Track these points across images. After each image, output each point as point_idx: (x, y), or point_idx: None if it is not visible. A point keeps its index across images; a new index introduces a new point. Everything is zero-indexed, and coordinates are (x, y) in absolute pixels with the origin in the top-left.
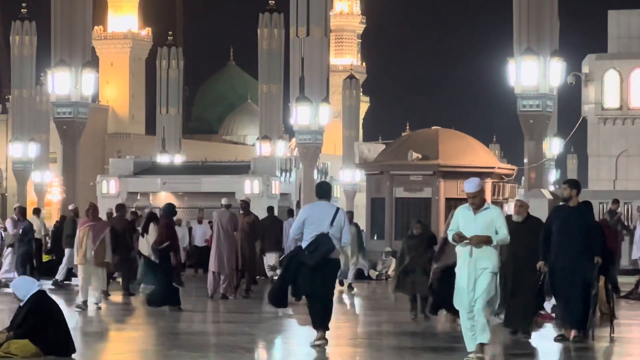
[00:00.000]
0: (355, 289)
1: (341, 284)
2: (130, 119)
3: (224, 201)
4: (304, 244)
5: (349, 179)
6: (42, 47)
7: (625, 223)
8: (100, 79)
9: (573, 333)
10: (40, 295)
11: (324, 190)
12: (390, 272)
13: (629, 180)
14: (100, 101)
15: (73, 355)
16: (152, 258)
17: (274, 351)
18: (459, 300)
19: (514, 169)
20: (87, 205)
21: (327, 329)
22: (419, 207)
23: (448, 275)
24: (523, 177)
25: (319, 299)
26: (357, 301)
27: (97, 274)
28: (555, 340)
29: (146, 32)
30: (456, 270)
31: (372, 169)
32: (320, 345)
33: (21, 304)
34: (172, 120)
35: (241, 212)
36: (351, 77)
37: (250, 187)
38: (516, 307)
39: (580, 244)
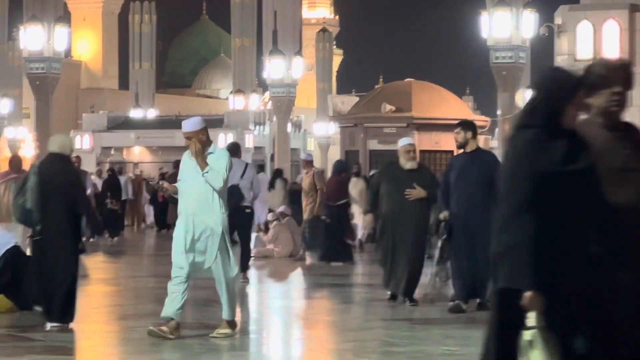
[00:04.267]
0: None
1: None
2: (103, 74)
3: None
4: None
5: (322, 131)
6: (14, 3)
7: None
8: (72, 34)
9: (478, 301)
10: (16, 250)
11: (233, 150)
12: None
13: None
14: (73, 56)
15: None
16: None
17: (247, 304)
18: (177, 262)
19: (487, 121)
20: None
21: (247, 267)
22: (393, 159)
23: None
24: (497, 129)
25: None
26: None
27: (17, 232)
28: (450, 310)
29: None
30: (175, 231)
31: (345, 122)
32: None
33: None
34: (145, 75)
35: None
36: (324, 30)
37: (224, 140)
38: (399, 267)
39: (481, 195)
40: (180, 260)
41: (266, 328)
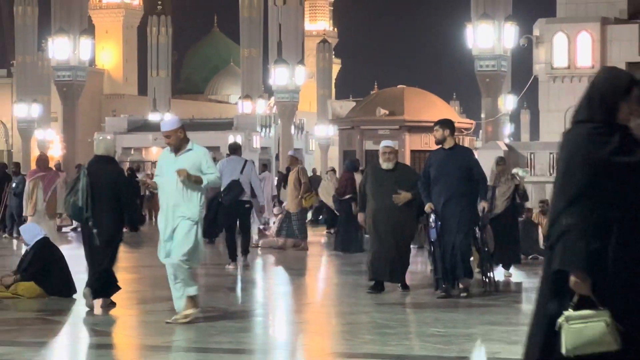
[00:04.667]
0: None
1: None
2: (124, 81)
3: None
4: (222, 189)
5: (323, 133)
6: (43, 17)
7: None
8: (96, 45)
9: (462, 285)
10: (45, 241)
11: (233, 148)
12: None
13: None
14: (97, 65)
15: (74, 296)
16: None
17: (255, 290)
18: (161, 252)
19: (472, 123)
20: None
21: (248, 252)
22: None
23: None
24: (480, 131)
25: (235, 233)
26: None
27: (48, 226)
28: (440, 297)
29: (138, 1)
30: (159, 224)
31: (344, 124)
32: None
33: (27, 249)
34: (162, 82)
35: None
36: (324, 41)
37: (233, 141)
38: (384, 256)
39: (459, 187)
40: (164, 251)
41: (271, 312)
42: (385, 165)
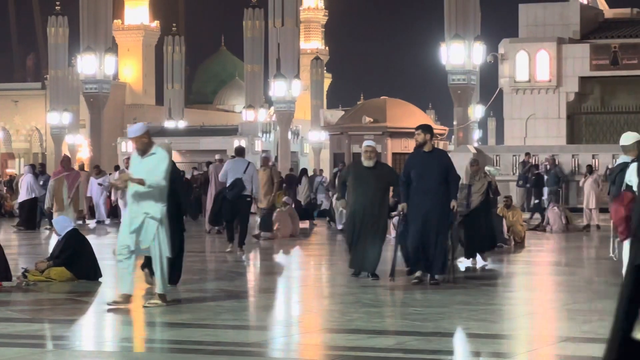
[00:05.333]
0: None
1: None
2: (143, 93)
3: (217, 157)
4: (227, 185)
5: (316, 138)
6: (73, 37)
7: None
8: (119, 61)
9: (437, 277)
10: (74, 231)
11: (238, 151)
12: None
13: (536, 137)
14: (119, 79)
15: (99, 279)
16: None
17: (256, 274)
18: (122, 242)
19: (446, 129)
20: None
21: (244, 243)
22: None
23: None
24: (453, 136)
25: (236, 223)
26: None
27: (74, 220)
28: (413, 283)
29: (155, 24)
30: (122, 217)
31: (334, 130)
32: (231, 252)
33: (59, 238)
34: (176, 93)
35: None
36: (317, 58)
37: (237, 144)
38: (361, 248)
39: (437, 187)
40: (124, 240)
41: (269, 293)
42: (366, 162)
